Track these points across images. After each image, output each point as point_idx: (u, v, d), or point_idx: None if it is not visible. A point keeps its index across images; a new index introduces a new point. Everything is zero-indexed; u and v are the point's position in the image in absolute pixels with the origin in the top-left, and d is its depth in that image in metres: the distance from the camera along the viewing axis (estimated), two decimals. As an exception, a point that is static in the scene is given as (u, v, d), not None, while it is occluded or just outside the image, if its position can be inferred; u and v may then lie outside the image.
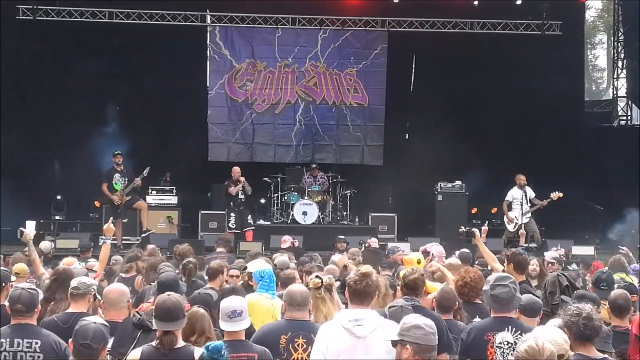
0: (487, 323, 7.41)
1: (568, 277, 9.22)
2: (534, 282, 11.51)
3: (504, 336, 7.02)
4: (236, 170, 22.26)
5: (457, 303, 8.30)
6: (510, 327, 7.15)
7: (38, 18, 23.98)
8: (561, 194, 21.08)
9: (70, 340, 6.26)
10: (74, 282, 7.99)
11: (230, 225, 22.12)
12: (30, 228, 12.28)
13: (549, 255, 13.78)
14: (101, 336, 6.16)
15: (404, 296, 8.05)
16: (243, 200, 22.17)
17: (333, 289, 7.99)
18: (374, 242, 18.32)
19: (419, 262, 10.98)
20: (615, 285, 9.18)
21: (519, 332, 7.06)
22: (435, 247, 14.00)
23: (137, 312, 7.31)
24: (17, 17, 23.95)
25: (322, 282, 7.77)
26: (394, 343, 5.95)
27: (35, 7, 23.91)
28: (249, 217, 22.31)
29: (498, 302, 7.25)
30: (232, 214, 22.18)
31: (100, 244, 12.16)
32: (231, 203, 22.17)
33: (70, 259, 11.01)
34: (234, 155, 25.59)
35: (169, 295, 6.74)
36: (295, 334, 7.28)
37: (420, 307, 7.83)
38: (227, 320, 6.97)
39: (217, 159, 25.50)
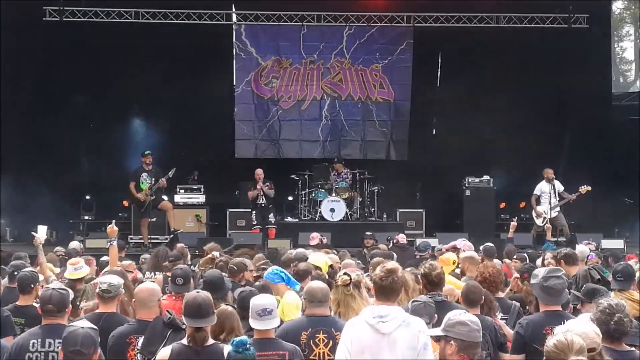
0: (542, 317, 7.35)
1: (599, 270, 9.16)
2: None
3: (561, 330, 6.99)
4: (258, 172, 22.45)
5: (482, 297, 8.26)
6: (565, 320, 7.09)
7: (64, 19, 24.07)
8: (590, 188, 20.99)
9: (60, 348, 6.22)
10: (103, 285, 8.00)
11: (253, 222, 22.33)
12: (41, 232, 12.33)
13: (579, 249, 13.67)
14: (90, 341, 6.02)
15: (429, 292, 8.05)
16: (263, 204, 22.35)
17: (362, 285, 7.99)
18: (402, 238, 18.27)
19: (454, 263, 10.99)
20: (636, 278, 9.12)
21: None
22: (463, 243, 13.98)
23: (168, 311, 7.32)
24: (44, 19, 24.06)
25: (350, 278, 7.77)
26: (437, 338, 5.95)
27: (61, 8, 24.01)
28: (271, 215, 22.41)
29: (551, 293, 7.24)
30: (254, 212, 22.46)
31: (107, 247, 12.22)
32: (251, 206, 22.48)
33: (76, 258, 11.00)
34: (261, 152, 25.66)
35: (198, 292, 6.76)
36: (316, 330, 7.31)
37: (447, 303, 7.82)
38: (257, 318, 6.95)
39: (244, 155, 25.56)
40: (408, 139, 25.87)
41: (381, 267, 6.64)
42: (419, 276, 8.46)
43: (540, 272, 7.41)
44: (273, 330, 7.03)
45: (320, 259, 10.61)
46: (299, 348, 7.11)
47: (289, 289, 9.00)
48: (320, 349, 7.23)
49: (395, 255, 13.45)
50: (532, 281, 7.49)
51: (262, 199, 22.31)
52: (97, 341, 6.18)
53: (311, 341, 7.27)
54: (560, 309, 7.33)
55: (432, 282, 8.15)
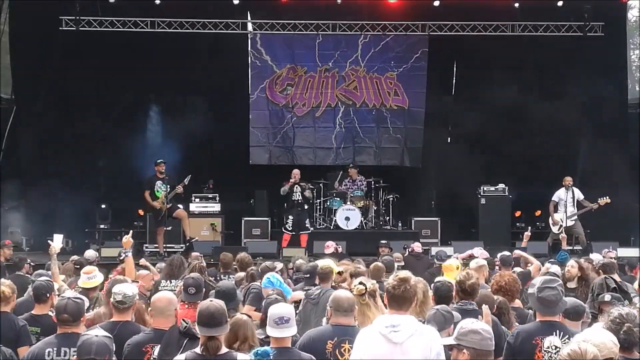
0: (535, 327, 7.32)
1: (616, 280, 9.14)
2: (572, 285, 11.43)
3: (552, 340, 6.96)
4: (295, 172, 22.63)
5: (495, 306, 8.25)
6: (557, 331, 7.09)
7: (81, 29, 24.16)
8: (609, 200, 20.97)
9: (75, 357, 6.23)
10: (117, 296, 8.00)
11: (287, 226, 22.33)
12: (57, 241, 12.39)
13: (596, 258, 13.65)
14: (105, 349, 6.08)
15: (461, 301, 8.06)
16: (300, 201, 22.37)
17: (377, 294, 7.98)
18: (417, 246, 18.28)
19: (457, 268, 10.98)
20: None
21: (567, 336, 6.99)
22: (480, 252, 13.99)
23: (184, 320, 7.33)
24: (60, 29, 24.15)
25: (366, 288, 7.77)
26: (450, 347, 5.94)
27: (77, 17, 24.09)
28: (307, 220, 22.45)
29: (545, 304, 7.17)
30: (290, 216, 22.40)
31: (121, 258, 12.27)
32: (285, 204, 22.35)
33: (90, 267, 11.06)
34: (275, 158, 25.69)
35: (211, 301, 6.77)
36: (342, 339, 7.30)
37: (478, 312, 7.80)
38: (274, 326, 6.95)
39: (258, 162, 25.59)
40: (422, 146, 25.82)
41: (394, 276, 6.64)
42: (454, 283, 8.47)
43: (536, 282, 7.37)
44: (289, 339, 7.01)
45: (330, 265, 10.66)
46: (325, 356, 7.15)
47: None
48: (345, 358, 7.23)
49: (396, 265, 13.52)
50: (529, 291, 7.45)
51: (298, 195, 22.34)
52: (112, 349, 6.23)
53: (337, 350, 7.29)
54: (557, 319, 7.27)
55: (465, 291, 8.17)
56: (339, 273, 10.74)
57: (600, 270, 10.95)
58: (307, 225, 22.41)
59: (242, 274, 12.47)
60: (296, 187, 22.44)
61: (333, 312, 7.45)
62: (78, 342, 6.21)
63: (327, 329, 7.51)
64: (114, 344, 6.28)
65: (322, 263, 10.77)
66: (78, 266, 13.76)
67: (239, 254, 13.70)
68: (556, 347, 6.91)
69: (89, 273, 10.51)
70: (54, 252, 11.94)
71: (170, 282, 11.77)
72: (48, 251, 12.30)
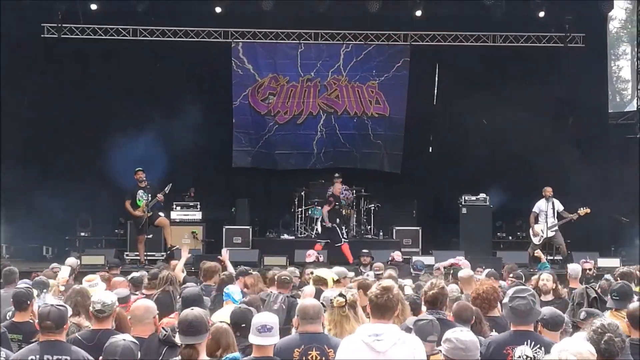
0: (506, 337, 7.35)
1: (596, 289, 9.18)
2: (548, 298, 11.47)
3: (523, 350, 6.97)
4: (338, 186, 22.74)
5: (474, 317, 8.27)
6: (529, 340, 7.10)
7: (62, 36, 24.14)
8: (589, 210, 21.05)
9: (100, 357, 6.32)
10: (97, 305, 7.99)
11: (345, 237, 22.31)
12: (64, 273, 12.33)
13: (572, 268, 13.70)
14: (130, 353, 6.24)
15: (428, 310, 8.07)
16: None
17: (357, 304, 8.00)
18: (397, 255, 18.31)
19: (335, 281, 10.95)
20: (636, 298, 9.14)
21: (538, 345, 7.02)
22: (461, 261, 14.03)
23: (164, 328, 7.33)
24: (42, 35, 24.13)
25: (346, 300, 7.79)
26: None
27: (59, 25, 24.07)
28: (344, 228, 22.67)
29: (516, 314, 7.18)
30: (344, 227, 22.61)
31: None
32: (337, 219, 22.37)
33: (91, 275, 11.04)
34: (257, 162, 25.72)
35: (192, 309, 6.78)
36: (309, 347, 7.33)
37: (445, 321, 7.82)
38: (257, 334, 6.97)
39: (241, 165, 25.61)
40: (402, 153, 25.87)
41: (377, 284, 6.66)
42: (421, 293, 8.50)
43: (509, 292, 7.40)
44: (271, 347, 7.03)
45: (327, 273, 10.63)
46: None
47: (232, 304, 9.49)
48: None
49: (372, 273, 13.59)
50: (504, 301, 7.48)
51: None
52: (137, 355, 6.48)
53: (304, 358, 7.29)
54: (530, 329, 7.28)
55: (427, 301, 8.19)
56: (337, 281, 10.76)
57: (618, 278, 10.99)
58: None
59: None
60: (342, 201, 22.78)
61: (300, 321, 7.49)
62: (105, 344, 6.42)
63: (294, 337, 7.54)
64: (139, 351, 6.49)
65: (318, 272, 10.76)
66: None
67: (204, 264, 13.63)
68: (527, 357, 6.91)
69: (90, 281, 10.50)
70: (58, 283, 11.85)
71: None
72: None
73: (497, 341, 7.35)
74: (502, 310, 7.97)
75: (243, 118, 25.80)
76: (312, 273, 11.54)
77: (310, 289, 10.53)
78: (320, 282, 10.67)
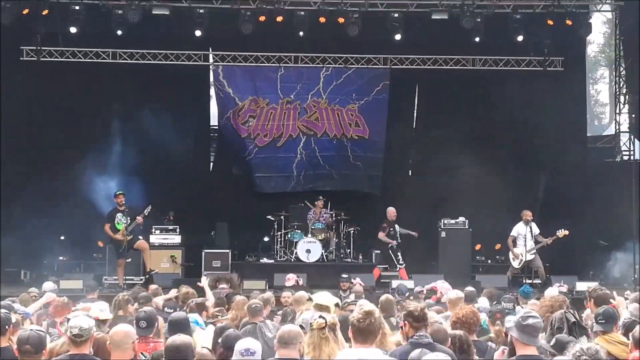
0: None
1: (575, 314, 9.18)
2: None
3: None
4: (391, 211, 23.02)
5: (448, 340, 8.21)
6: None
7: (42, 59, 24.08)
8: (567, 232, 21.13)
9: None
10: (74, 329, 7.90)
11: (400, 261, 22.71)
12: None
13: (549, 292, 13.75)
14: None
15: (417, 334, 8.01)
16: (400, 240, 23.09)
17: (337, 327, 7.96)
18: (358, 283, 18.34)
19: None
20: (620, 322, 9.15)
21: None
22: (442, 285, 14.05)
23: (142, 353, 7.29)
24: (21, 59, 24.07)
25: (325, 322, 7.75)
26: None
27: (38, 48, 24.01)
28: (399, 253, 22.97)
29: (530, 332, 7.24)
30: (399, 252, 22.95)
31: None
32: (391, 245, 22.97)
33: (87, 304, 11.03)
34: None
35: (179, 335, 6.77)
36: None
37: (433, 345, 7.77)
38: (240, 356, 7.08)
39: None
40: (382, 174, 25.93)
41: (359, 309, 6.64)
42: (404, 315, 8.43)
43: (518, 311, 7.46)
44: None
45: (328, 299, 10.42)
46: None
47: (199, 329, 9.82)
48: None
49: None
50: (509, 321, 7.48)
51: (398, 233, 23.23)
52: None
53: None
54: (537, 353, 7.30)
55: (416, 319, 8.14)
56: (337, 305, 10.67)
57: (591, 300, 10.93)
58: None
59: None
60: (396, 226, 23.07)
61: (277, 345, 7.47)
62: None
63: None
64: None
65: (317, 299, 10.60)
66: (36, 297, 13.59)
67: (182, 289, 13.65)
68: None
69: (86, 310, 10.43)
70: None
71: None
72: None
73: None
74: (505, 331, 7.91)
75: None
76: (310, 299, 11.36)
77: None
78: (322, 309, 10.38)
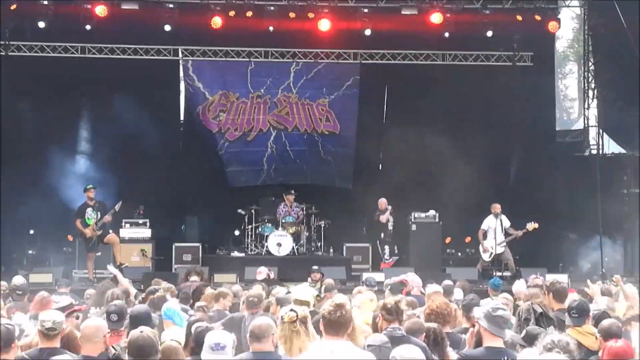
0: (483, 353, 7.39)
1: (542, 305, 9.27)
2: None
3: None
4: (383, 201, 23.33)
5: (423, 332, 8.28)
6: (505, 357, 7.19)
7: (10, 54, 23.91)
8: (537, 225, 21.27)
9: None
10: (47, 323, 7.92)
11: (386, 257, 23.02)
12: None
13: (517, 285, 13.90)
14: None
15: (390, 325, 8.08)
16: (392, 231, 23.11)
17: (308, 320, 7.99)
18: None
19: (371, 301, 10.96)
20: (591, 314, 9.28)
21: None
22: (412, 278, 14.09)
23: (113, 346, 7.29)
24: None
25: (297, 315, 7.78)
26: None
27: (7, 42, 23.83)
28: (395, 247, 23.14)
29: (499, 323, 7.31)
30: (386, 246, 23.24)
31: None
32: (382, 234, 23.10)
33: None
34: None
35: (141, 331, 6.76)
36: None
37: (406, 338, 7.82)
38: (210, 351, 7.07)
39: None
40: (353, 169, 25.98)
41: (330, 301, 6.68)
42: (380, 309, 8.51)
43: (486, 302, 7.51)
44: None
45: (307, 293, 10.46)
46: None
47: (173, 325, 9.49)
48: None
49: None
50: (478, 312, 7.54)
51: (391, 225, 23.43)
52: None
53: None
54: (503, 346, 7.37)
55: (390, 311, 8.22)
56: (318, 296, 10.71)
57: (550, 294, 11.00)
58: (395, 251, 23.26)
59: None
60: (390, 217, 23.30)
61: (250, 340, 7.49)
62: None
63: (248, 355, 7.53)
64: None
65: (296, 294, 10.63)
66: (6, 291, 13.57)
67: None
68: None
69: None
70: None
71: (99, 309, 11.70)
72: None
73: (474, 356, 7.42)
74: (477, 323, 7.95)
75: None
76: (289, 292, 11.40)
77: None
78: (302, 305, 10.41)
